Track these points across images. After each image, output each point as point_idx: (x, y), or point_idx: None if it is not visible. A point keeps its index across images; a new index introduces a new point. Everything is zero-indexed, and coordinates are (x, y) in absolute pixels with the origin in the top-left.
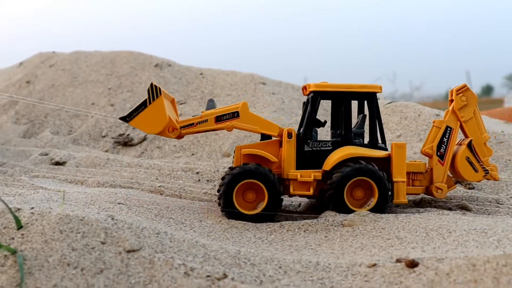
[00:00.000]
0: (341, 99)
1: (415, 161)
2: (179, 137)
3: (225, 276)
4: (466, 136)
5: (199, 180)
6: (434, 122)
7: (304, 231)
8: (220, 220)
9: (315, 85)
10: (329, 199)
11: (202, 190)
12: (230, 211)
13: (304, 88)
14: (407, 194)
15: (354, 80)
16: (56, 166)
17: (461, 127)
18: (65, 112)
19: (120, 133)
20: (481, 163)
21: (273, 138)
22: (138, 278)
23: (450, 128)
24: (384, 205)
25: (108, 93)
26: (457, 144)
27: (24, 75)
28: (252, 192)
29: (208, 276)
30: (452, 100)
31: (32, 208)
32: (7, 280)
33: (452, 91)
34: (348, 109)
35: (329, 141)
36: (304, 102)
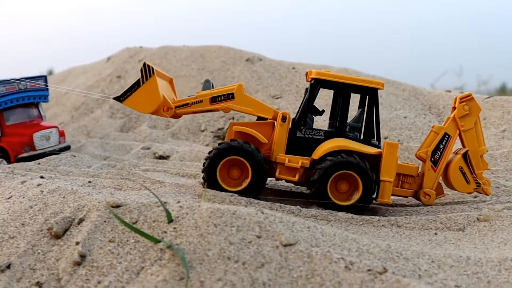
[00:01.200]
0: (341, 90)
1: (407, 164)
2: (175, 116)
3: (385, 270)
4: (464, 146)
5: None
6: (433, 127)
7: (439, 229)
8: (352, 216)
9: (317, 73)
10: (313, 193)
11: None
12: (213, 186)
13: (307, 74)
14: (394, 195)
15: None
16: (160, 160)
17: (460, 136)
18: None
19: (219, 127)
20: (474, 175)
21: (269, 120)
22: (300, 272)
23: (448, 135)
24: (368, 200)
25: (201, 87)
26: (453, 152)
27: (114, 70)
28: (238, 169)
29: (369, 270)
30: (455, 108)
31: (179, 202)
32: (169, 274)
33: (456, 98)
34: (346, 101)
35: (322, 130)
36: (306, 88)
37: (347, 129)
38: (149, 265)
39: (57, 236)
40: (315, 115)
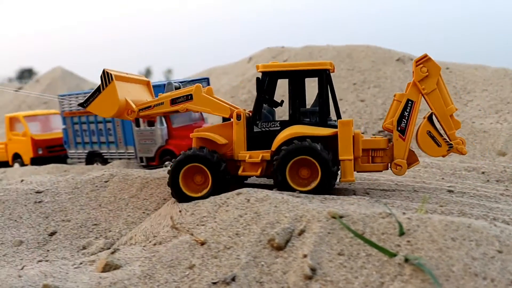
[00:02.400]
0: (288, 78)
1: (375, 137)
2: (143, 118)
3: None
4: (431, 108)
5: (487, 180)
6: (395, 95)
7: None
8: None
9: (262, 66)
10: (276, 184)
11: (497, 192)
12: (178, 196)
13: (257, 68)
14: (368, 171)
15: None
16: None
17: (425, 100)
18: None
19: (379, 130)
20: (444, 137)
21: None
22: None
23: (412, 101)
24: (329, 183)
25: (354, 88)
26: (423, 117)
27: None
28: (200, 175)
29: None
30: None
31: (404, 213)
32: None
33: (413, 62)
34: (295, 88)
35: (277, 121)
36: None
37: (303, 115)
38: (389, 280)
39: (279, 248)
40: (275, 107)
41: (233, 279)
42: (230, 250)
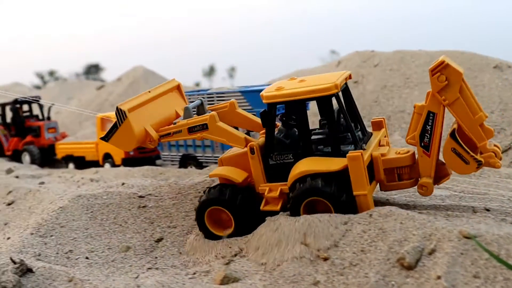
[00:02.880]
0: (291, 108)
1: (399, 153)
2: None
3: None
4: (457, 120)
5: None
6: (414, 107)
7: None
8: None
9: (266, 97)
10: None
11: None
12: (204, 233)
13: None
14: (395, 189)
15: None
16: None
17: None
18: (407, 114)
19: None
20: (471, 154)
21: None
22: None
23: (433, 113)
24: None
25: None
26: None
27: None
28: (224, 213)
29: None
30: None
31: None
32: None
33: (429, 70)
34: (301, 118)
35: (290, 152)
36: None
37: (316, 143)
38: None
39: (410, 267)
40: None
41: None
42: (356, 267)
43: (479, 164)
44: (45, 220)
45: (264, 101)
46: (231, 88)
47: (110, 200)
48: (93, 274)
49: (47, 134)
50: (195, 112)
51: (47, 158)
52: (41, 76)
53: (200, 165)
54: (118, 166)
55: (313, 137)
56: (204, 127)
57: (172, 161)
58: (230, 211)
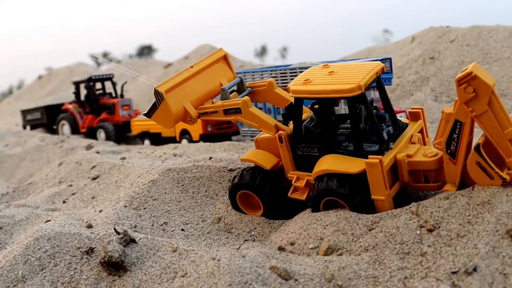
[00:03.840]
0: (319, 104)
1: (426, 156)
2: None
3: None
4: (484, 133)
5: None
6: (442, 112)
7: None
8: None
9: (293, 91)
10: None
11: None
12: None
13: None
14: (424, 191)
15: None
16: None
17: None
18: None
19: None
20: (496, 170)
21: None
22: None
23: (460, 122)
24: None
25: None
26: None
27: (424, 51)
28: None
29: None
30: None
31: None
32: None
33: (455, 81)
34: (327, 114)
35: (315, 146)
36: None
37: (340, 139)
38: None
39: None
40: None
41: (475, 270)
42: (464, 238)
43: (504, 181)
44: (137, 193)
45: (290, 94)
46: (315, 62)
47: (200, 173)
48: (193, 245)
49: (122, 111)
50: (236, 91)
51: (122, 135)
52: (95, 58)
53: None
54: (196, 142)
55: (343, 131)
56: (237, 110)
57: (252, 136)
58: (259, 197)
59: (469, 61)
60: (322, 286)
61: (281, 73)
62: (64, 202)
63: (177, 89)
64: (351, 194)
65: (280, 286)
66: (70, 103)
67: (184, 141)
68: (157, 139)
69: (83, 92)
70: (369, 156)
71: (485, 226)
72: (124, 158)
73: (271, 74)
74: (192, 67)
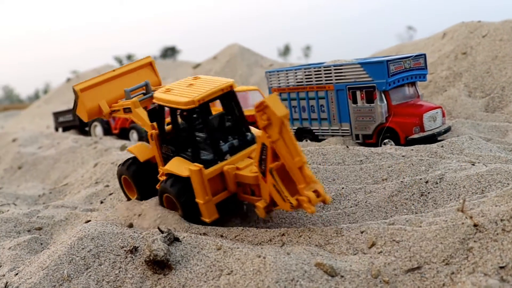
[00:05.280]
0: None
1: (250, 172)
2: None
3: None
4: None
5: None
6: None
7: None
8: None
9: (154, 97)
10: None
11: None
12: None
13: None
14: (250, 202)
15: None
16: None
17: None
18: None
19: None
20: (284, 194)
21: None
22: None
23: (265, 145)
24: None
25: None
26: None
27: (456, 46)
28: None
29: None
30: None
31: None
32: None
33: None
34: (174, 121)
35: (171, 148)
36: None
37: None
38: None
39: None
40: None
41: None
42: (510, 233)
43: (292, 206)
44: None
45: (154, 100)
46: (349, 60)
47: None
48: (237, 243)
49: None
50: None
51: None
52: (119, 60)
53: (316, 138)
54: None
55: (198, 138)
56: (130, 110)
57: None
58: (133, 183)
59: (502, 55)
60: (368, 283)
61: (315, 71)
62: (101, 202)
63: (94, 89)
64: (179, 194)
65: (327, 282)
66: None
67: None
68: None
69: None
70: (195, 164)
71: None
72: None
73: (304, 72)
74: (114, 70)
